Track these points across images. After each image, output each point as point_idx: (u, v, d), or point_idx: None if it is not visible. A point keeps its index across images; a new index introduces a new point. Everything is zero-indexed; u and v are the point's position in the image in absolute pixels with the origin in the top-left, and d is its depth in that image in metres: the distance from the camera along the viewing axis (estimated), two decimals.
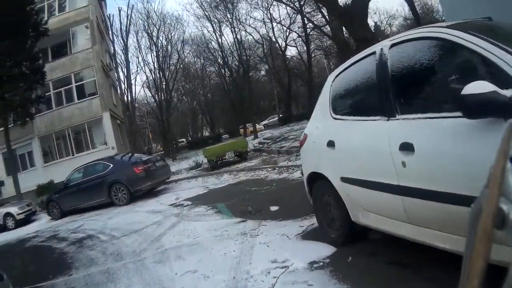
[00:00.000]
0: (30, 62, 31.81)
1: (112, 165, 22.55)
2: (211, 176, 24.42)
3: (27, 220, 25.90)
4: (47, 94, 37.70)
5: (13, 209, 25.76)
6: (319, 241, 7.69)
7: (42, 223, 23.83)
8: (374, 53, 5.88)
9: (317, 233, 8.10)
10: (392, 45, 5.50)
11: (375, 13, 67.31)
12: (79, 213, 22.40)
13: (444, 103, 4.77)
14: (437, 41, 4.79)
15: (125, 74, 53.38)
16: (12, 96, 30.31)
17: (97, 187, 21.99)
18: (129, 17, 55.77)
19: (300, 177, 15.25)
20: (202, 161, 31.88)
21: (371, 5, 16.78)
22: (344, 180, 6.44)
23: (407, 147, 4.79)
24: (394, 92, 5.33)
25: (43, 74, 32.57)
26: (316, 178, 7.56)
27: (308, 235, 8.44)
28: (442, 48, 4.76)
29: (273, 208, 11.98)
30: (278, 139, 35.18)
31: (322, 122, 7.51)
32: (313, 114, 8.25)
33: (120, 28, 52.73)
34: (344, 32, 23.24)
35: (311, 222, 9.08)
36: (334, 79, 7.31)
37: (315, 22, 52.85)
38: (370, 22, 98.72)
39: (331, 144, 6.77)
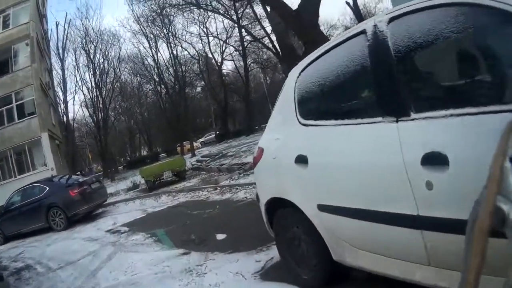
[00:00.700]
0: None
1: (48, 188, 20.98)
2: (149, 197, 23.12)
3: None
4: None
5: None
6: (284, 282, 5.93)
7: None
8: (363, 32, 4.14)
9: (280, 270, 6.41)
10: (392, 19, 3.79)
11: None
12: (22, 237, 20.87)
13: (494, 92, 3.18)
14: (474, 8, 3.13)
15: (63, 92, 50.83)
16: None
17: (35, 211, 20.48)
18: (66, 32, 53.51)
19: (246, 198, 14.13)
20: (140, 182, 30.36)
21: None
22: (323, 208, 4.68)
23: (435, 159, 3.18)
24: (404, 82, 3.68)
25: None
26: (279, 205, 5.71)
27: (269, 274, 6.73)
28: (482, 16, 3.13)
29: (220, 237, 10.38)
30: (216, 156, 33.33)
31: (284, 132, 5.62)
32: (269, 123, 6.37)
33: (57, 45, 50.29)
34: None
35: (270, 255, 7.50)
36: (299, 74, 5.37)
37: (253, 35, 52.20)
38: None
39: (301, 160, 4.94)
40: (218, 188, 18.68)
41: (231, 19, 52.77)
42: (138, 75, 69.88)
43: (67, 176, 24.77)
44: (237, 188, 16.95)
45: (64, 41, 48.15)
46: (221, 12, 49.93)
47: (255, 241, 8.47)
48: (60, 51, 46.54)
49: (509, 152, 1.72)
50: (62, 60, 45.08)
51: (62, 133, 51.52)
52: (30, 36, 39.39)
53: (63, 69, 45.42)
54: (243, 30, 53.81)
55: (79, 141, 75.35)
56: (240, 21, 52.64)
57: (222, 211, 13.80)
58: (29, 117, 38.12)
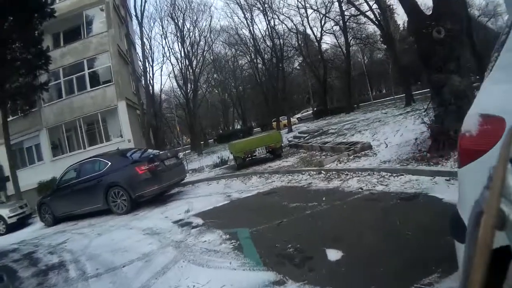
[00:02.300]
0: (33, 45, 27.28)
1: (110, 163, 17.74)
2: (236, 178, 19.59)
3: (20, 223, 22.42)
4: (56, 81, 34.71)
5: (4, 212, 21.98)
6: None
7: (34, 230, 20.02)
8: None
9: None
10: None
11: None
12: (75, 219, 18.62)
13: None
14: None
15: (141, 60, 47.77)
16: (11, 82, 26.91)
17: (92, 190, 17.51)
18: None
19: (361, 189, 11.23)
20: (228, 157, 27.36)
21: None
22: None
23: None
24: None
25: (47, 58, 28.42)
26: None
27: None
28: None
29: (333, 255, 6.80)
30: (316, 133, 29.78)
31: None
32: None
33: (135, 6, 47.05)
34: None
35: None
36: None
37: (357, 7, 48.64)
38: (403, 15, 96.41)
39: None
40: (322, 172, 15.04)
41: None
42: (233, 47, 66.99)
43: (142, 150, 20.96)
44: (347, 174, 13.56)
45: (143, 6, 45.18)
46: None
47: (397, 270, 5.57)
48: (139, 15, 43.08)
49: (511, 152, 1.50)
50: (140, 25, 41.79)
51: (149, 103, 49.20)
52: (105, 1, 36.44)
53: (141, 34, 42.01)
54: (343, 2, 50.48)
55: (169, 112, 73.32)
56: None
57: (331, 207, 10.10)
58: (104, 85, 35.51)
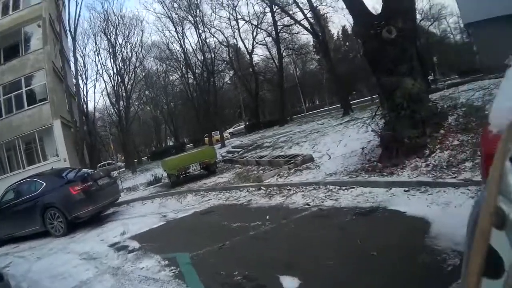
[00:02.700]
0: None
1: (44, 184, 16.68)
2: (171, 196, 18.76)
3: None
4: None
5: None
6: None
7: None
8: None
9: None
10: None
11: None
12: (18, 241, 17.22)
13: None
14: None
15: (75, 77, 46.29)
16: None
17: (29, 212, 16.54)
18: (78, 11, 49.74)
19: (307, 205, 10.38)
20: (162, 175, 26.18)
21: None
22: None
23: None
24: None
25: None
26: None
27: None
28: None
29: (289, 283, 5.93)
30: (250, 147, 28.23)
31: None
32: None
33: (69, 22, 45.66)
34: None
35: None
36: None
37: (291, 16, 48.43)
38: (338, 23, 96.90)
39: None
40: (262, 188, 14.13)
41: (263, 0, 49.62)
42: (164, 63, 66.03)
43: (76, 169, 20.06)
44: (289, 189, 12.72)
45: (76, 20, 43.86)
46: None
47: None
48: (73, 31, 41.95)
49: (510, 152, 1.68)
50: (74, 40, 40.63)
51: (81, 121, 47.83)
52: (42, 17, 35.50)
53: (74, 52, 40.85)
54: (276, 13, 50.40)
55: (103, 131, 71.69)
56: (273, 5, 49.14)
57: (277, 226, 9.18)
58: (40, 103, 34.51)
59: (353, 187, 10.53)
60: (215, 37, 57.08)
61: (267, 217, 9.94)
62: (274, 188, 13.44)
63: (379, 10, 13.06)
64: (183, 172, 21.68)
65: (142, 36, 63.54)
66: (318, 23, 42.49)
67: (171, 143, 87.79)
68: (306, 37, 61.41)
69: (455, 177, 8.72)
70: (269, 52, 61.42)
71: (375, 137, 13.19)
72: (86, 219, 16.17)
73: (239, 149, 30.61)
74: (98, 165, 50.21)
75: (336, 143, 16.81)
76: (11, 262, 13.61)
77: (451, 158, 9.83)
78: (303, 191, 11.90)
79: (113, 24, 54.43)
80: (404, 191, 9.06)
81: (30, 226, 16.55)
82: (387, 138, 11.55)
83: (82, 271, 9.63)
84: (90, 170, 19.83)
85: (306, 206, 10.14)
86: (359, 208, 8.77)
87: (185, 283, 6.85)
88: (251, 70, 62.03)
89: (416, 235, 6.34)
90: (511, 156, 1.68)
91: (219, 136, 50.26)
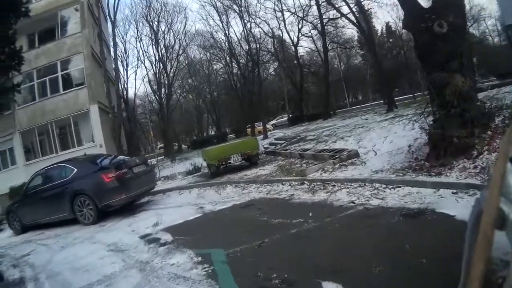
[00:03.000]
0: (6, 45, 26.04)
1: (75, 170, 16.47)
2: (210, 187, 18.11)
3: None
4: (30, 83, 34.13)
5: None
6: None
7: (2, 238, 18.96)
8: None
9: None
10: None
11: (393, 8, 62.53)
12: (43, 227, 17.43)
13: None
14: None
15: (114, 60, 45.90)
16: None
17: (58, 198, 16.30)
18: None
19: (353, 203, 9.95)
20: (202, 165, 25.85)
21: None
22: None
23: None
24: None
25: (20, 59, 26.89)
26: None
27: None
28: None
29: None
30: (293, 140, 28.17)
31: None
32: None
33: (108, 6, 45.30)
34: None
35: None
36: None
37: (338, 9, 47.68)
38: (383, 19, 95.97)
39: None
40: (305, 182, 13.67)
41: None
42: (208, 52, 65.67)
43: (111, 156, 19.87)
44: (334, 185, 12.26)
45: (116, 5, 43.75)
46: None
47: None
48: (112, 16, 41.67)
49: (510, 154, 1.70)
50: (113, 24, 40.50)
51: (120, 107, 47.72)
52: (80, 1, 35.42)
53: (114, 37, 40.61)
54: (322, 5, 49.48)
55: (143, 118, 71.22)
56: None
57: (320, 225, 8.72)
58: (76, 88, 34.52)
59: (400, 186, 10.12)
60: (260, 27, 56.74)
61: (310, 214, 9.56)
62: (318, 183, 13.00)
63: (429, 4, 12.61)
64: (223, 163, 21.25)
65: (185, 24, 63.72)
66: (364, 17, 41.82)
67: (213, 133, 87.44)
68: (351, 31, 60.85)
69: None
70: (315, 44, 61.31)
71: (422, 134, 12.75)
72: (118, 207, 16.06)
73: (282, 141, 30.25)
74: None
75: (382, 139, 16.34)
76: (33, 250, 13.59)
77: None
78: (348, 187, 11.50)
79: (155, 10, 54.33)
80: (452, 193, 8.64)
81: (58, 213, 16.52)
82: (436, 136, 11.07)
83: (108, 264, 9.34)
84: (126, 157, 19.68)
85: (351, 204, 9.74)
86: (406, 209, 8.35)
87: (218, 284, 6.48)
88: (295, 62, 61.45)
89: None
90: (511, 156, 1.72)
91: (261, 127, 49.99)
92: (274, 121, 78.87)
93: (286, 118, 70.14)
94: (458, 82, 10.84)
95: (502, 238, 1.84)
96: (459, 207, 7.59)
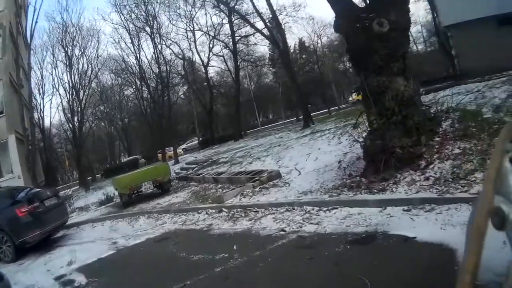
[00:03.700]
0: None
1: None
2: (123, 219, 17.18)
3: None
4: None
5: None
6: None
7: None
8: None
9: None
10: None
11: (309, 22, 62.47)
12: None
13: None
14: None
15: (29, 92, 44.32)
16: None
17: None
18: (35, 18, 47.74)
19: (283, 231, 8.62)
20: (114, 194, 24.28)
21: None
22: None
23: None
24: None
25: None
26: None
27: None
28: None
29: None
30: (205, 163, 27.21)
31: None
32: None
33: (26, 29, 44.02)
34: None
35: None
36: None
37: (253, 25, 47.37)
38: (299, 35, 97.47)
39: None
40: (224, 209, 12.29)
41: (222, 10, 49.02)
42: (120, 77, 64.79)
43: (28, 188, 18.61)
44: (256, 211, 10.95)
45: (33, 28, 42.29)
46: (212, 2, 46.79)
47: None
48: (29, 38, 40.14)
49: (509, 152, 1.70)
50: (29, 47, 39.03)
51: (33, 135, 46.16)
52: (2, 25, 33.57)
53: (28, 61, 39.21)
54: (234, 23, 49.99)
55: (60, 147, 70.70)
56: (232, 14, 48.54)
57: (249, 260, 7.32)
58: None
59: (336, 208, 8.81)
60: (171, 49, 56.58)
61: (235, 247, 8.16)
62: (238, 209, 11.67)
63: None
64: (135, 191, 20.31)
65: (98, 48, 62.66)
66: (280, 31, 41.43)
67: (125, 160, 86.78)
68: (263, 49, 61.31)
69: (466, 191, 7.26)
70: (226, 63, 61.27)
71: (353, 148, 11.61)
72: (35, 243, 14.76)
73: (193, 165, 29.44)
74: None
75: (305, 157, 15.16)
76: None
77: (455, 169, 8.26)
78: (273, 213, 10.14)
79: (70, 35, 53.22)
80: (404, 210, 7.45)
81: None
82: (373, 148, 9.76)
83: None
84: (38, 190, 18.15)
85: (282, 232, 8.34)
86: (351, 234, 7.07)
87: None
88: (205, 84, 61.23)
89: (443, 269, 4.83)
90: (511, 156, 1.71)
91: (172, 152, 49.41)
92: (184, 145, 78.31)
93: (196, 142, 70.01)
94: (400, 86, 9.69)
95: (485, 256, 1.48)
96: (417, 226, 6.51)
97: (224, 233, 9.89)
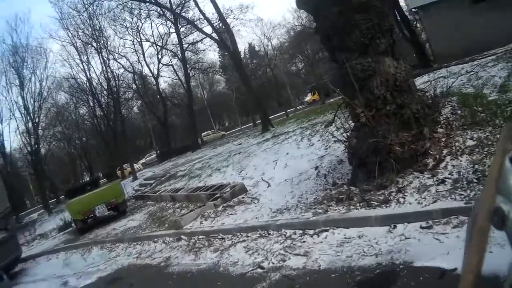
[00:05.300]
0: None
1: None
2: (76, 250, 15.61)
3: None
4: None
5: None
6: None
7: None
8: None
9: None
10: None
11: (257, 24, 63.73)
12: None
13: None
14: None
15: None
16: None
17: None
18: None
19: (261, 267, 6.42)
20: (72, 218, 22.11)
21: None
22: None
23: None
24: None
25: None
26: None
27: None
28: None
29: None
30: (163, 178, 25.76)
31: None
32: None
33: None
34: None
35: None
36: None
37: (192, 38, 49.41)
38: (248, 39, 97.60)
39: None
40: (183, 237, 10.04)
41: (168, 19, 48.37)
42: (73, 96, 62.84)
43: None
44: (222, 238, 8.75)
45: None
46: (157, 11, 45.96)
47: None
48: None
49: (510, 152, 1.72)
50: None
51: None
52: None
53: None
54: (181, 32, 49.07)
55: (23, 171, 70.30)
56: (178, 21, 47.69)
57: None
58: None
59: (327, 229, 6.51)
60: (119, 63, 55.49)
61: None
62: (200, 237, 9.43)
63: None
64: (90, 216, 18.92)
65: (45, 66, 61.10)
66: (229, 34, 40.05)
67: (87, 179, 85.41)
68: (212, 56, 60.66)
69: None
70: (176, 73, 61.29)
71: (329, 149, 9.46)
72: None
73: (151, 181, 28.17)
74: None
75: (271, 165, 12.99)
76: None
77: (477, 166, 6.24)
78: (244, 240, 7.88)
79: (20, 56, 51.89)
80: (423, 228, 5.39)
81: None
82: (363, 148, 7.52)
83: None
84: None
85: (259, 270, 6.15)
86: (357, 270, 4.97)
87: None
88: (158, 96, 60.58)
89: None
90: (511, 156, 1.76)
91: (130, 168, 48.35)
92: (143, 160, 78.66)
93: (154, 155, 69.36)
94: (390, 68, 7.54)
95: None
96: (450, 250, 4.52)
97: (185, 270, 7.74)
